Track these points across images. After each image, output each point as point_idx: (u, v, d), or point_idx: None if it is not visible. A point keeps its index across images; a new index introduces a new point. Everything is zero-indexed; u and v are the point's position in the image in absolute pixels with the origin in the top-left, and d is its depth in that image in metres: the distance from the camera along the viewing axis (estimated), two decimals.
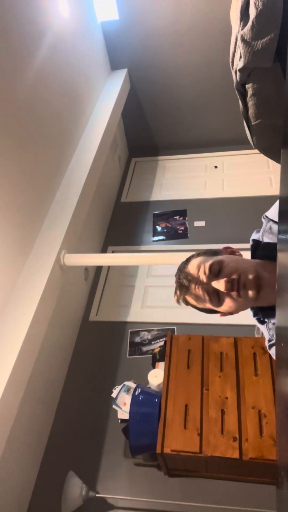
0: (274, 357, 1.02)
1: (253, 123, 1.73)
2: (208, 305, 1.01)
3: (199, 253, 1.05)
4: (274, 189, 3.64)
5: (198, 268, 0.99)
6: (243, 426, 1.93)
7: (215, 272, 0.96)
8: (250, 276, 0.94)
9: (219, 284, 0.94)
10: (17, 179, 2.03)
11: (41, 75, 2.30)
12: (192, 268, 1.01)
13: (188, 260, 1.05)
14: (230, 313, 1.04)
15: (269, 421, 1.91)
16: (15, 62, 2.02)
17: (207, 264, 0.97)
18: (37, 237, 2.23)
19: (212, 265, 0.96)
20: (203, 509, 2.06)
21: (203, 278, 0.97)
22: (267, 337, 1.05)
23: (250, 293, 0.94)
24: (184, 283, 1.01)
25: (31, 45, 2.20)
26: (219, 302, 0.98)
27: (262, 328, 1.07)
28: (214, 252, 1.04)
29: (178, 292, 1.04)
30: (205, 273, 0.97)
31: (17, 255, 2.03)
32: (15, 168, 2.01)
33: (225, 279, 0.94)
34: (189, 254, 1.09)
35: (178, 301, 1.06)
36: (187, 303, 1.05)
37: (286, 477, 0.56)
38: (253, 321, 1.18)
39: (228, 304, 0.97)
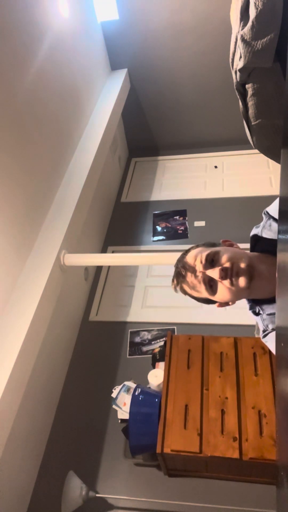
0: (269, 346, 1.04)
1: (253, 123, 1.72)
2: (204, 294, 1.04)
3: (198, 245, 1.09)
4: (274, 189, 3.64)
5: (195, 257, 1.03)
6: (243, 426, 1.93)
7: (210, 261, 0.99)
8: (243, 265, 0.97)
9: (213, 272, 0.98)
10: (17, 179, 2.03)
11: (41, 75, 2.30)
12: (189, 258, 1.05)
13: (187, 251, 1.09)
14: (226, 303, 1.07)
15: (269, 421, 1.91)
16: (15, 62, 2.02)
17: (204, 254, 1.01)
18: (37, 237, 2.23)
19: (208, 255, 1.00)
20: (203, 509, 2.06)
21: (199, 267, 1.01)
22: (261, 328, 1.08)
23: (242, 281, 0.96)
24: (181, 272, 1.05)
25: (31, 45, 2.20)
26: (213, 291, 1.01)
27: (257, 319, 1.10)
28: (213, 244, 1.08)
29: (175, 281, 1.08)
30: (201, 262, 1.00)
31: (17, 255, 2.03)
32: (15, 168, 2.01)
33: (219, 267, 0.97)
34: None
35: (175, 289, 1.10)
36: (184, 292, 1.09)
37: (286, 477, 0.56)
38: (253, 321, 1.19)
39: (221, 292, 1.00)
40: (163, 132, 4.24)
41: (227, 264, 0.97)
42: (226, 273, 0.96)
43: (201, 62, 3.55)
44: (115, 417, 2.33)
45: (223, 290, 0.99)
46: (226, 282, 0.97)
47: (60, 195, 2.48)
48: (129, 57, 3.64)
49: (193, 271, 1.02)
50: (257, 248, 1.10)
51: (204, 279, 1.00)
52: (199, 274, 1.01)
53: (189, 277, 1.03)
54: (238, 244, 1.10)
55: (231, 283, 0.97)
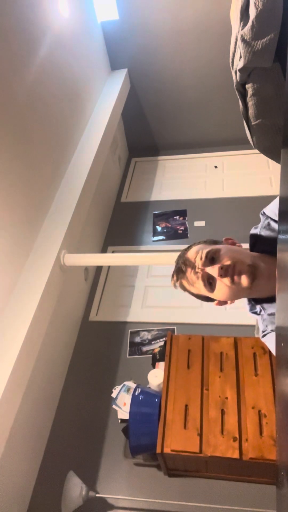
0: (268, 346, 1.05)
1: (253, 123, 1.73)
2: (202, 291, 1.04)
3: (200, 241, 1.09)
4: (274, 189, 3.64)
5: (196, 254, 1.03)
6: (243, 426, 1.93)
7: (211, 258, 1.00)
8: (246, 264, 0.97)
9: (213, 270, 0.98)
10: (17, 179, 2.03)
11: (41, 75, 2.30)
12: (190, 254, 1.05)
13: (189, 247, 1.09)
14: (225, 302, 1.07)
15: (269, 421, 1.91)
16: (15, 62, 2.02)
17: (205, 251, 1.01)
18: (37, 237, 2.23)
19: (209, 252, 1.00)
20: (203, 509, 2.06)
21: (198, 263, 1.01)
22: (261, 328, 1.09)
23: (244, 280, 0.96)
24: (181, 268, 1.05)
25: (31, 45, 2.20)
26: (212, 288, 1.01)
27: (258, 318, 1.10)
28: (214, 242, 1.08)
29: (175, 276, 1.08)
30: (201, 258, 1.00)
31: (17, 255, 2.03)
32: (15, 168, 2.00)
33: (218, 265, 0.97)
34: None
35: (174, 285, 1.10)
36: (184, 288, 1.09)
37: (286, 477, 0.56)
38: (253, 321, 1.19)
39: (220, 290, 1.00)
40: (163, 132, 4.24)
41: (227, 262, 0.97)
42: (226, 272, 0.96)
43: (201, 62, 3.55)
44: (115, 417, 2.33)
45: (222, 288, 0.99)
46: (226, 280, 0.97)
47: (60, 195, 2.48)
48: (129, 57, 3.64)
49: (193, 267, 1.02)
50: (256, 248, 1.10)
51: (203, 276, 1.00)
52: (198, 271, 1.01)
53: (189, 273, 1.03)
54: (240, 243, 1.11)
55: (232, 282, 0.97)
